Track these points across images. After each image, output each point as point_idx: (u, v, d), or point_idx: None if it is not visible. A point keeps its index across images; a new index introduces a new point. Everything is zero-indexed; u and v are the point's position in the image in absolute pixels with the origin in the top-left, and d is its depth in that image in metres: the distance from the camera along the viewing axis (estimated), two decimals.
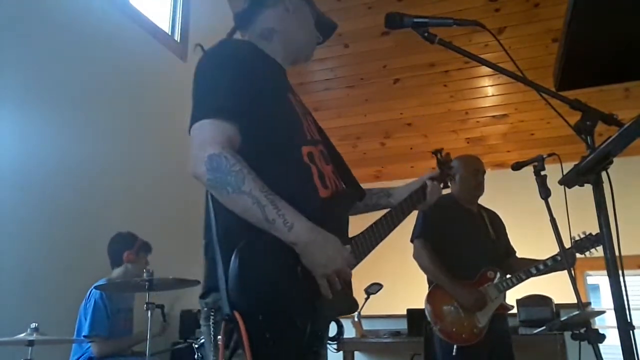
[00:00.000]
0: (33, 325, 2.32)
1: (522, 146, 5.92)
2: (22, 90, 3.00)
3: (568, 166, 1.15)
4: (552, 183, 1.64)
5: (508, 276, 2.66)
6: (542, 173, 1.90)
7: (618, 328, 1.04)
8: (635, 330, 1.08)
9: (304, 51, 1.52)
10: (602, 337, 1.72)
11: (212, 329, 1.16)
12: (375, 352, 4.50)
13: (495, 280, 2.64)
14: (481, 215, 2.88)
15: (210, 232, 1.22)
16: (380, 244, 1.45)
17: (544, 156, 1.96)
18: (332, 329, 1.33)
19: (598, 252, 2.41)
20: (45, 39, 3.19)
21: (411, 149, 6.24)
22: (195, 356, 2.60)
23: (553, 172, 1.75)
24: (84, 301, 2.90)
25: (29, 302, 2.83)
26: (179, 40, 4.48)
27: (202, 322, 1.20)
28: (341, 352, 4.08)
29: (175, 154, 4.15)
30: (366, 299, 3.89)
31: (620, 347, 1.04)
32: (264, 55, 1.38)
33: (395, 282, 4.76)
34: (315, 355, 1.23)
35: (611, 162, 1.05)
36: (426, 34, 1.25)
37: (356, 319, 4.28)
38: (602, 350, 1.78)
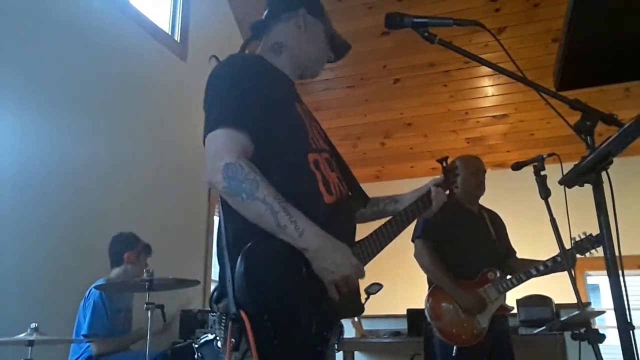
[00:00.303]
0: (33, 325, 2.33)
1: (522, 146, 5.92)
2: (22, 90, 3.00)
3: (568, 166, 1.15)
4: (552, 183, 1.64)
5: (508, 277, 2.66)
6: (542, 173, 1.90)
7: (618, 328, 1.04)
8: (635, 330, 1.08)
9: (311, 68, 1.56)
10: (602, 337, 1.72)
11: (223, 332, 1.18)
12: (375, 352, 4.50)
13: (496, 281, 2.64)
14: (482, 215, 2.88)
15: (222, 239, 1.26)
16: None
17: (544, 156, 1.96)
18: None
19: (598, 252, 2.41)
20: (46, 39, 3.19)
21: (411, 149, 6.24)
22: (195, 356, 2.60)
23: (553, 172, 1.75)
24: (82, 301, 2.90)
25: (29, 302, 2.83)
26: (179, 40, 4.48)
27: (216, 326, 1.23)
28: (341, 352, 4.08)
29: (175, 154, 4.16)
30: (366, 299, 3.88)
31: (620, 347, 1.04)
32: (272, 68, 1.44)
33: (395, 282, 4.76)
34: (321, 356, 1.23)
35: (611, 162, 1.05)
36: (426, 34, 1.25)
37: (356, 319, 4.28)
38: (602, 350, 1.78)
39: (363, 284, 3.94)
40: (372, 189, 1.59)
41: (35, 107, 3.06)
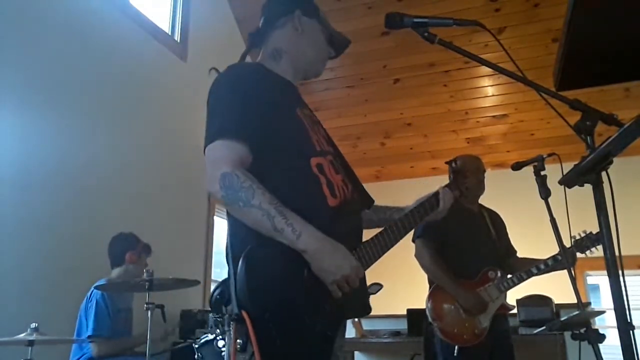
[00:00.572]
0: (33, 325, 2.33)
1: (522, 146, 5.92)
2: (22, 90, 3.00)
3: (568, 166, 1.15)
4: (552, 183, 1.64)
5: (509, 276, 2.66)
6: (542, 173, 1.90)
7: (618, 328, 1.04)
8: (635, 330, 1.08)
9: (313, 68, 1.57)
10: (602, 337, 1.72)
11: (232, 334, 1.20)
12: (375, 352, 4.50)
13: (496, 280, 2.64)
14: (482, 215, 2.88)
15: (227, 243, 1.30)
16: None
17: (544, 156, 1.96)
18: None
19: (598, 252, 2.41)
20: (46, 39, 3.19)
21: (411, 149, 6.24)
22: (195, 356, 2.60)
23: (553, 172, 1.75)
24: (84, 301, 2.90)
25: (29, 302, 2.83)
26: (179, 40, 4.48)
27: (225, 327, 1.26)
28: None
29: (175, 154, 4.16)
30: None
31: (620, 347, 1.04)
32: (273, 75, 1.45)
33: (395, 282, 4.75)
34: (325, 355, 1.24)
35: (611, 162, 1.05)
36: (426, 34, 1.25)
37: (356, 319, 4.28)
38: (602, 350, 1.78)
39: None
40: (372, 189, 1.59)
41: (35, 107, 3.06)
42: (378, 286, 4.07)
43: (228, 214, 1.33)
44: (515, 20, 4.71)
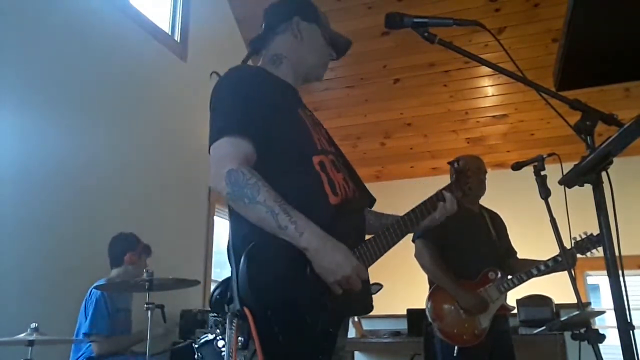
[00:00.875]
0: (33, 325, 2.32)
1: (522, 146, 5.92)
2: (22, 90, 3.00)
3: (568, 166, 1.15)
4: (552, 183, 1.64)
5: (509, 277, 2.66)
6: (542, 173, 1.90)
7: (618, 328, 1.04)
8: (635, 330, 1.08)
9: (314, 73, 1.58)
10: (602, 337, 1.72)
11: (233, 332, 1.21)
12: (375, 352, 4.50)
13: (497, 281, 2.64)
14: (482, 215, 2.88)
15: (229, 242, 1.31)
16: None
17: (544, 156, 1.96)
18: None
19: (598, 252, 2.41)
20: (46, 39, 3.19)
21: (411, 149, 6.24)
22: (195, 356, 2.60)
23: (553, 172, 1.75)
24: (84, 301, 2.90)
25: (29, 302, 2.83)
26: (179, 40, 4.48)
27: (227, 326, 1.27)
28: None
29: (175, 154, 4.16)
30: None
31: (620, 347, 1.04)
32: (274, 77, 1.47)
33: (395, 282, 4.74)
34: (327, 352, 1.24)
35: (611, 162, 1.05)
36: (426, 34, 1.25)
37: (356, 319, 4.28)
38: (602, 350, 1.78)
39: None
40: (372, 189, 1.59)
41: (35, 107, 3.06)
42: (378, 286, 4.07)
43: (230, 213, 1.33)
44: (515, 20, 4.71)
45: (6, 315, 2.64)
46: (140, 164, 3.83)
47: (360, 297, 1.33)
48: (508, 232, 2.98)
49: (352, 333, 4.29)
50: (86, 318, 2.84)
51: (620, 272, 1.06)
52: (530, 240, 3.52)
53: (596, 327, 1.84)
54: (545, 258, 2.61)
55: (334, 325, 1.26)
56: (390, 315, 4.36)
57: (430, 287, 2.71)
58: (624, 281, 1.06)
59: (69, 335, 2.88)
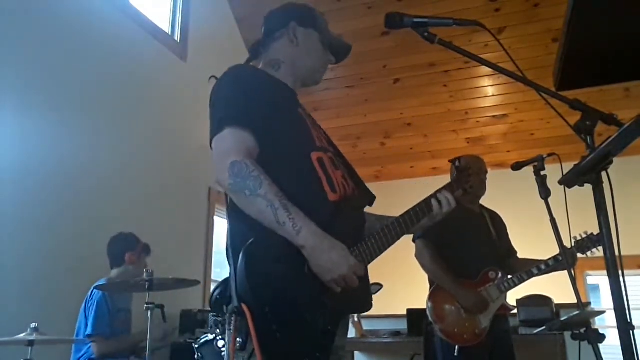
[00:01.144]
0: (33, 325, 2.33)
1: (522, 146, 5.91)
2: (22, 90, 3.00)
3: (568, 166, 1.15)
4: (552, 183, 1.64)
5: (509, 276, 2.66)
6: (542, 173, 1.90)
7: (618, 328, 1.04)
8: (635, 330, 1.08)
9: (312, 77, 1.59)
10: (602, 337, 1.72)
11: (232, 331, 1.21)
12: (375, 352, 4.50)
13: (497, 281, 2.64)
14: (483, 215, 2.88)
15: (228, 239, 1.30)
16: None
17: (544, 156, 1.96)
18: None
19: (598, 252, 2.41)
20: (46, 39, 3.19)
21: (411, 149, 6.24)
22: (195, 356, 2.60)
23: (553, 172, 1.75)
24: (84, 301, 2.90)
25: (29, 302, 2.83)
26: (179, 40, 4.48)
27: (226, 325, 1.27)
28: None
29: (175, 154, 4.16)
30: None
31: (620, 347, 1.04)
32: (274, 79, 1.48)
33: (395, 282, 4.76)
34: (325, 350, 1.24)
35: (611, 162, 1.05)
36: (426, 34, 1.25)
37: (356, 319, 4.28)
38: (602, 350, 1.78)
39: None
40: (372, 189, 1.59)
41: (35, 107, 3.06)
42: (378, 286, 4.09)
43: (229, 212, 1.33)
44: (515, 20, 4.71)
45: (6, 315, 2.64)
46: (140, 164, 3.83)
47: (359, 295, 1.33)
48: (508, 231, 2.98)
49: (352, 333, 4.29)
50: (87, 318, 2.84)
51: (620, 272, 1.06)
52: (530, 240, 3.52)
53: (596, 327, 1.84)
54: (545, 258, 2.61)
55: (333, 323, 1.26)
56: (390, 315, 4.36)
57: (430, 287, 2.71)
58: (624, 281, 1.06)
59: (69, 336, 2.88)
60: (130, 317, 3.13)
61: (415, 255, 2.71)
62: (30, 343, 2.28)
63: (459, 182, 1.72)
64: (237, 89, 1.36)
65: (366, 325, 4.39)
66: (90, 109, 3.46)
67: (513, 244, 2.96)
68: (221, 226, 4.79)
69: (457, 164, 1.82)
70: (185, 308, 3.77)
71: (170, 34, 4.45)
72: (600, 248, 1.14)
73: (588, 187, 1.10)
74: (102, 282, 2.91)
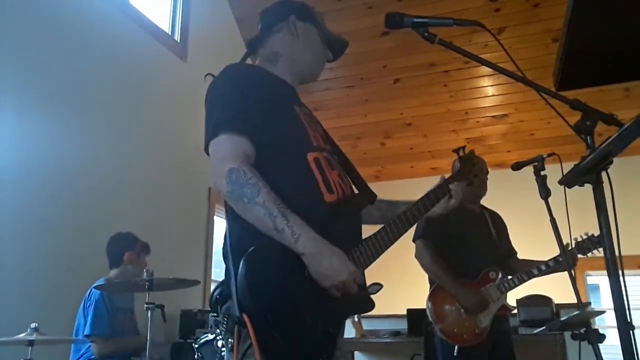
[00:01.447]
0: (33, 325, 2.33)
1: (522, 146, 5.92)
2: (22, 90, 3.00)
3: (568, 166, 1.15)
4: (552, 183, 1.64)
5: (510, 277, 2.66)
6: (542, 173, 1.90)
7: (618, 328, 1.04)
8: (635, 330, 1.08)
9: (310, 72, 1.58)
10: (602, 337, 1.72)
11: (228, 334, 1.22)
12: (375, 352, 4.50)
13: (497, 281, 2.64)
14: (483, 215, 2.88)
15: (226, 243, 1.30)
16: None
17: (544, 156, 1.95)
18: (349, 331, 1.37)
19: (598, 252, 2.41)
20: (45, 39, 3.19)
21: (411, 149, 6.24)
22: (195, 356, 2.60)
23: (553, 172, 1.74)
24: (83, 301, 2.90)
25: (29, 302, 2.83)
26: (179, 40, 4.48)
27: (220, 327, 1.27)
28: None
29: (175, 154, 4.16)
30: None
31: (620, 347, 1.04)
32: (270, 75, 1.46)
33: (395, 282, 4.74)
34: (328, 352, 1.24)
35: (611, 162, 1.05)
36: (426, 34, 1.25)
37: (356, 319, 4.28)
38: (602, 350, 1.78)
39: None
40: (372, 189, 1.59)
41: (35, 107, 3.06)
42: (378, 286, 4.07)
43: (227, 213, 1.32)
44: (515, 20, 4.71)
45: (6, 315, 2.64)
46: (140, 164, 3.83)
47: (359, 297, 1.32)
48: (508, 232, 2.98)
49: (352, 333, 4.28)
50: (85, 318, 2.84)
51: (620, 272, 1.06)
52: (530, 240, 3.52)
53: (596, 327, 1.84)
54: (545, 258, 2.61)
55: (334, 325, 1.26)
56: (390, 315, 4.35)
57: (430, 287, 2.71)
58: (624, 281, 1.06)
59: (69, 335, 2.88)
60: (134, 316, 3.13)
61: (415, 255, 2.71)
62: (30, 343, 2.28)
63: (463, 172, 1.71)
64: (233, 90, 1.34)
65: (366, 325, 4.39)
66: (90, 108, 3.46)
67: (513, 244, 2.96)
68: (221, 226, 4.79)
69: (460, 153, 1.79)
70: (185, 308, 3.77)
71: (170, 34, 4.45)
72: (601, 248, 1.14)
73: (588, 187, 1.10)
74: (100, 281, 2.90)
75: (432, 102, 5.63)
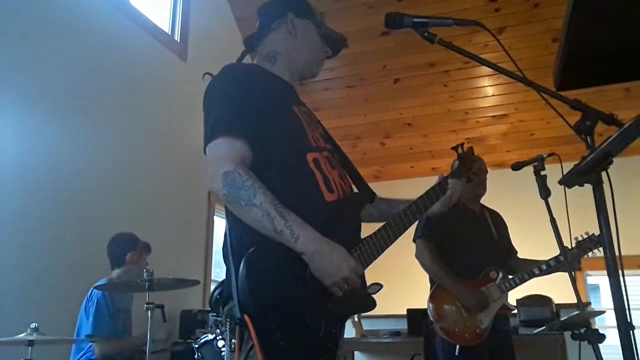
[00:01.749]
0: (33, 325, 2.32)
1: (522, 146, 5.92)
2: (22, 90, 3.00)
3: (568, 166, 1.15)
4: (552, 183, 1.63)
5: (510, 276, 2.66)
6: (542, 173, 1.90)
7: (618, 328, 1.04)
8: (635, 330, 1.08)
9: (309, 69, 1.57)
10: (602, 337, 1.72)
11: (230, 334, 1.22)
12: (375, 352, 4.50)
13: (498, 281, 2.64)
14: (483, 215, 2.88)
15: (226, 244, 1.30)
16: None
17: (544, 156, 1.96)
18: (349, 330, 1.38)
19: (599, 252, 2.41)
20: (46, 39, 3.19)
21: (411, 149, 6.24)
22: (195, 356, 2.60)
23: (553, 172, 1.75)
24: (84, 301, 2.90)
25: (29, 302, 2.83)
26: (179, 40, 4.48)
27: (222, 328, 1.28)
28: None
29: (175, 154, 4.16)
30: None
31: (620, 347, 1.04)
32: (269, 74, 1.46)
33: (395, 282, 4.76)
34: (329, 353, 1.24)
35: (611, 162, 1.05)
36: (426, 34, 1.25)
37: (356, 319, 4.28)
38: (602, 350, 1.78)
39: None
40: (372, 189, 1.58)
41: (35, 107, 3.06)
42: (378, 286, 4.08)
43: (227, 213, 1.32)
44: (515, 20, 4.71)
45: (6, 315, 2.64)
46: (140, 163, 3.83)
47: (359, 296, 1.32)
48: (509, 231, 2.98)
49: (352, 333, 4.29)
50: (87, 319, 2.84)
51: (620, 272, 1.06)
52: (530, 240, 3.52)
53: (596, 327, 1.84)
54: (545, 258, 2.61)
55: (336, 325, 1.26)
56: (390, 315, 4.36)
57: (431, 287, 2.71)
58: (624, 281, 1.06)
59: (69, 335, 2.88)
60: (130, 317, 3.13)
61: (416, 255, 2.71)
62: (30, 343, 2.28)
63: (463, 169, 1.71)
64: (231, 91, 1.33)
65: (366, 325, 4.39)
66: (90, 108, 3.46)
67: (513, 243, 2.96)
68: (221, 226, 4.79)
69: (459, 150, 1.78)
70: (185, 308, 3.77)
71: (170, 33, 4.45)
72: (601, 248, 1.14)
73: (588, 187, 1.10)
74: (102, 282, 2.90)
75: (432, 102, 5.63)
